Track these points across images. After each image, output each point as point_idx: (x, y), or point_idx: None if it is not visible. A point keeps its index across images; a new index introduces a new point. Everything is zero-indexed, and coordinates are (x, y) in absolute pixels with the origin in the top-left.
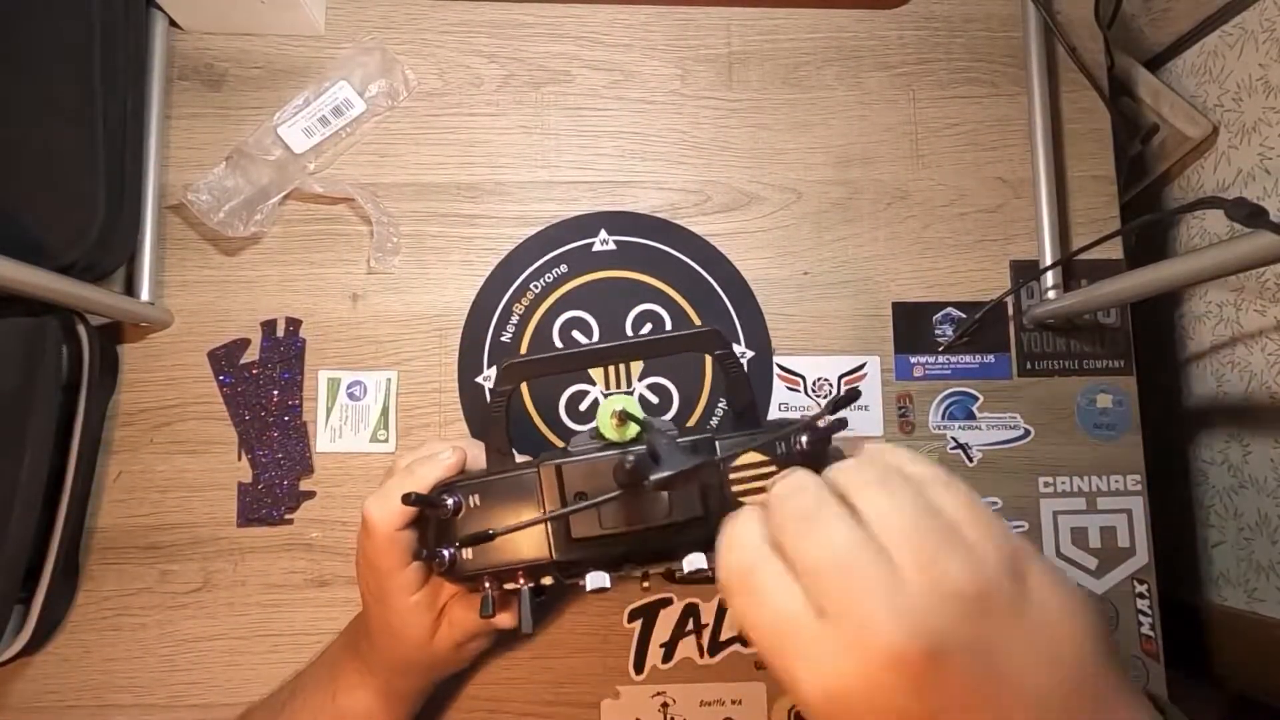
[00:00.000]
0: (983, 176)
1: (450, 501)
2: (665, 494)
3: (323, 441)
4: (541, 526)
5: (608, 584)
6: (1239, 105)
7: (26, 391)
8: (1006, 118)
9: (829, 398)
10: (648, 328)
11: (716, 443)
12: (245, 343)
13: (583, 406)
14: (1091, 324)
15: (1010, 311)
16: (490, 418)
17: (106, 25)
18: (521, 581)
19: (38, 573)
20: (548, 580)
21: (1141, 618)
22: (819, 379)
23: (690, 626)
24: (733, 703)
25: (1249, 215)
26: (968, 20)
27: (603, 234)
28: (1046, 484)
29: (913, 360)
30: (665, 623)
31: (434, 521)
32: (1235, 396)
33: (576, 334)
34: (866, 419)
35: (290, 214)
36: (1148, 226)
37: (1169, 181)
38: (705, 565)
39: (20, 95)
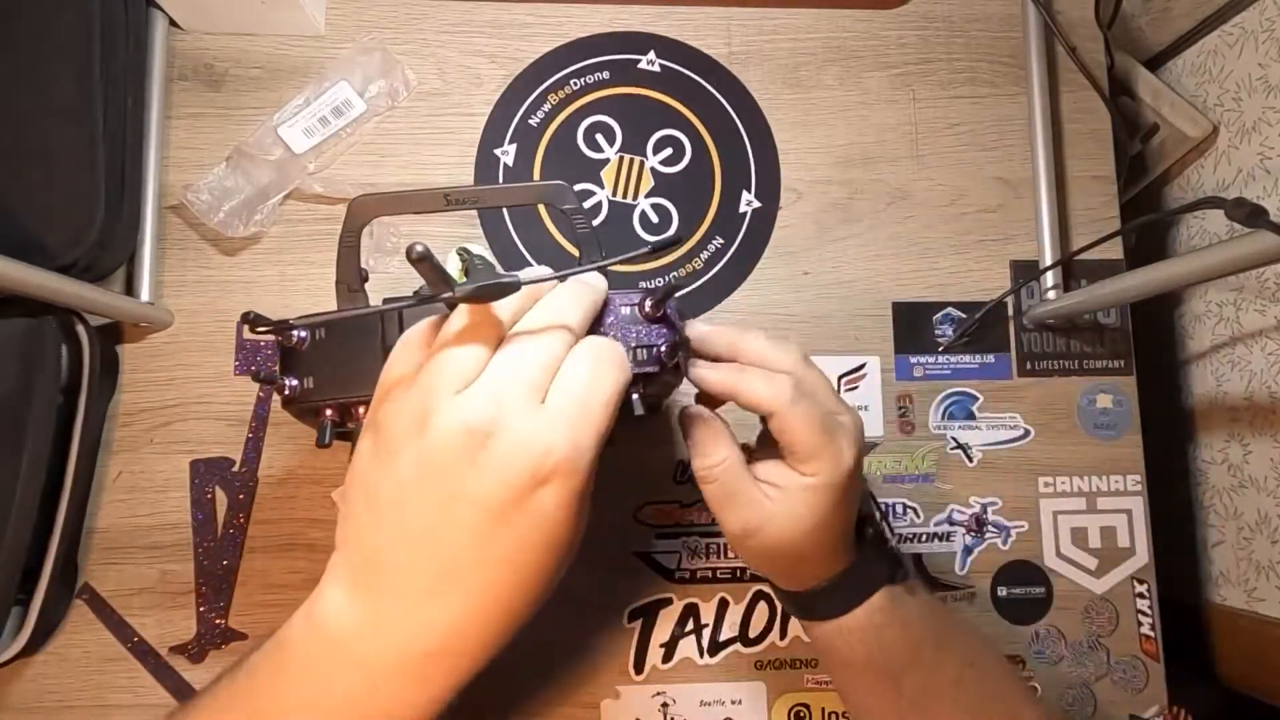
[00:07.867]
0: (983, 176)
1: (298, 334)
2: None
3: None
4: (383, 361)
5: None
6: (1239, 105)
7: (26, 392)
8: (1006, 118)
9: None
10: (667, 151)
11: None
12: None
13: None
14: (1091, 324)
15: (1010, 311)
16: (341, 252)
17: (106, 25)
18: (361, 413)
19: (36, 574)
20: None
21: (1141, 618)
22: None
23: (690, 626)
24: (733, 703)
25: (1249, 215)
26: (968, 20)
27: (651, 54)
28: (1046, 484)
29: (913, 360)
30: (665, 622)
31: (281, 349)
32: (1235, 396)
33: (599, 138)
34: (866, 419)
35: (290, 214)
36: (1148, 226)
37: (1169, 181)
38: None
39: (20, 95)
